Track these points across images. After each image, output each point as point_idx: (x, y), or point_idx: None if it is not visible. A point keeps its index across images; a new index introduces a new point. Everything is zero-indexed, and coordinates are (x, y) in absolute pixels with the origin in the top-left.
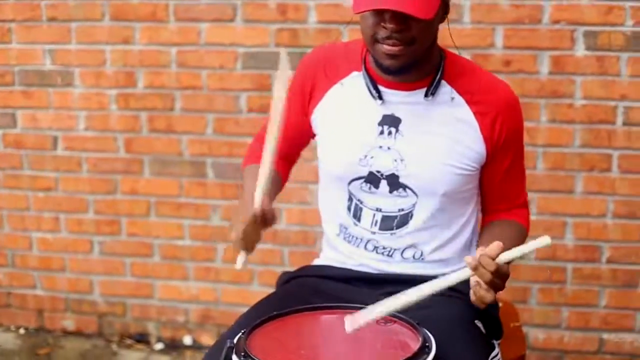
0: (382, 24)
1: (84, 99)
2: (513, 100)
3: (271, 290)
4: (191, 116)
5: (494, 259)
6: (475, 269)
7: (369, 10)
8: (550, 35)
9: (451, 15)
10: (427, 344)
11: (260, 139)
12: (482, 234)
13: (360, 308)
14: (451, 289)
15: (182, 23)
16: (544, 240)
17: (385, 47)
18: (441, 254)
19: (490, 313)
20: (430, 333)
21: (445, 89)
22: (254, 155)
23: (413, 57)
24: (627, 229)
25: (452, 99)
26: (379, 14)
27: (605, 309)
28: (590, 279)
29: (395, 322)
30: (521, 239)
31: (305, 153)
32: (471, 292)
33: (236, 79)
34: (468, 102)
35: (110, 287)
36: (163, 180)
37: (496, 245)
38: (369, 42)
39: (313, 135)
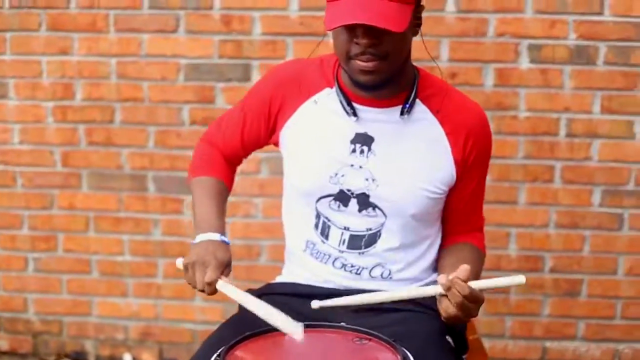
0: (355, 40)
1: (19, 112)
2: (484, 120)
3: (215, 305)
4: (131, 129)
5: (465, 282)
6: (448, 289)
7: (340, 27)
8: (495, 48)
9: None
10: None
11: (207, 143)
12: (444, 256)
13: (329, 327)
14: (422, 305)
15: (122, 34)
16: (519, 279)
17: (360, 64)
18: (408, 273)
19: (457, 329)
20: (406, 349)
21: (420, 108)
22: (205, 165)
23: (388, 72)
24: (569, 238)
25: (426, 118)
26: (352, 30)
27: (548, 318)
28: (533, 288)
29: (371, 340)
30: (480, 264)
31: (247, 166)
32: (441, 309)
33: (178, 91)
34: (441, 122)
35: (45, 305)
36: (102, 195)
37: (465, 269)
38: (343, 59)
39: (267, 143)
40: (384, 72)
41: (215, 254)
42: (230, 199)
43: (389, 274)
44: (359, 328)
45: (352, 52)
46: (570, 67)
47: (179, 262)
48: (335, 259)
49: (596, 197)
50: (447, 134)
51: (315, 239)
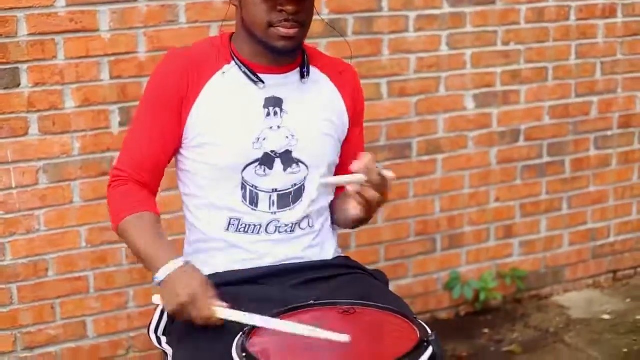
0: (280, 7)
1: None
2: (357, 76)
3: None
4: None
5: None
6: (365, 171)
7: None
8: None
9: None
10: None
11: (118, 182)
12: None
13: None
14: (353, 268)
15: None
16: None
17: (282, 30)
18: (322, 221)
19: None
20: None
21: (313, 69)
22: (126, 206)
23: (303, 38)
24: None
25: (319, 77)
26: None
27: None
28: None
29: (353, 308)
30: None
31: (23, 179)
32: (366, 200)
33: None
34: (331, 80)
35: None
36: None
37: (365, 155)
38: (263, 27)
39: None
40: (301, 38)
41: (193, 285)
42: (9, 215)
43: (312, 225)
44: (340, 301)
45: (274, 20)
46: (326, 40)
47: (157, 300)
48: (269, 223)
49: None
50: (339, 89)
51: (242, 212)
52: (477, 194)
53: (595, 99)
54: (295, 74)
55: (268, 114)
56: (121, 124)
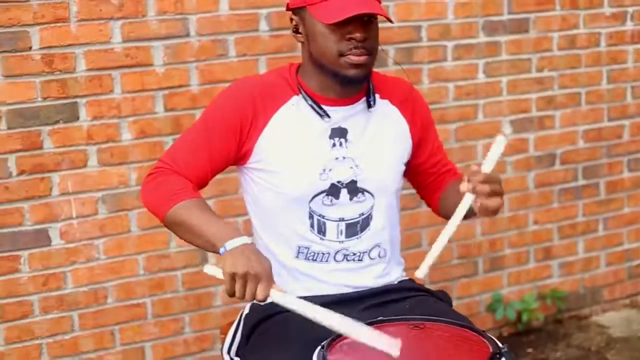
0: (349, 36)
1: None
2: (412, 87)
3: None
4: None
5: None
6: (473, 190)
7: (333, 25)
8: None
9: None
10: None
11: (168, 173)
12: (445, 197)
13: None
14: (418, 290)
15: None
16: (500, 139)
17: (353, 58)
18: (395, 248)
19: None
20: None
21: (377, 97)
22: (180, 192)
23: (371, 66)
24: None
25: (383, 104)
26: (342, 28)
27: None
28: None
29: (423, 324)
30: None
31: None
32: (482, 210)
33: (1, 140)
34: (394, 104)
35: None
36: None
37: (475, 167)
38: (334, 57)
39: (234, 162)
40: (370, 65)
41: (262, 263)
42: (70, 245)
43: (385, 253)
44: (410, 316)
45: (344, 49)
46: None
47: (211, 269)
48: (337, 252)
49: None
50: (402, 112)
51: (310, 241)
52: (517, 217)
53: (627, 122)
54: (361, 104)
55: (334, 145)
56: None
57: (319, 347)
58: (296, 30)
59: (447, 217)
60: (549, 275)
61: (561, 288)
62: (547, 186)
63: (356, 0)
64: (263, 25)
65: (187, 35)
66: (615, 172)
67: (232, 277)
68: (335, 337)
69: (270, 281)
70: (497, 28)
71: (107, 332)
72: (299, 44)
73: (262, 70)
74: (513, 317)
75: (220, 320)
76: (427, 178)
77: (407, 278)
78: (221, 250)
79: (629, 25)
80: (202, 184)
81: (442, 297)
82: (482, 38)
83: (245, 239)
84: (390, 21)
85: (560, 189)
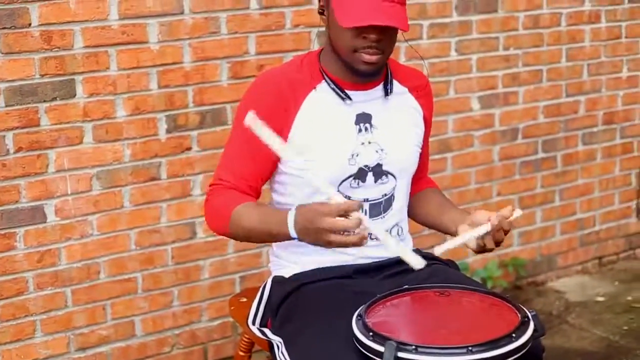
0: (364, 35)
1: None
2: (429, 82)
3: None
4: None
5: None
6: (498, 230)
7: (370, 25)
8: (292, 38)
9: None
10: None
11: (223, 189)
12: (421, 203)
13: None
14: (431, 259)
15: None
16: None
17: (365, 56)
18: (406, 226)
19: None
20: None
21: (395, 83)
22: (232, 203)
23: (383, 64)
24: None
25: (401, 91)
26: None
27: None
28: None
29: (448, 291)
30: None
31: (78, 185)
32: (480, 245)
33: None
34: (411, 92)
35: None
36: None
37: (508, 209)
38: (348, 51)
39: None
40: (382, 63)
41: (315, 222)
42: (65, 221)
43: (402, 231)
44: (432, 285)
45: (358, 46)
46: None
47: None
48: None
49: None
50: (417, 99)
51: None
52: (482, 189)
53: (582, 98)
54: (379, 90)
55: (360, 130)
56: (168, 131)
57: (356, 315)
58: (322, 12)
59: (415, 218)
60: (510, 245)
61: (521, 256)
62: (510, 159)
63: (377, 7)
64: (253, 4)
65: (182, 12)
66: (571, 146)
67: (327, 244)
68: (370, 303)
69: (335, 226)
70: (469, 7)
71: (99, 307)
72: (288, 21)
73: (252, 47)
74: None
75: (206, 294)
76: None
77: (415, 249)
78: (293, 237)
79: (587, 6)
80: (255, 192)
81: (452, 266)
82: (455, 17)
83: (291, 216)
84: (406, 31)
85: (521, 162)
